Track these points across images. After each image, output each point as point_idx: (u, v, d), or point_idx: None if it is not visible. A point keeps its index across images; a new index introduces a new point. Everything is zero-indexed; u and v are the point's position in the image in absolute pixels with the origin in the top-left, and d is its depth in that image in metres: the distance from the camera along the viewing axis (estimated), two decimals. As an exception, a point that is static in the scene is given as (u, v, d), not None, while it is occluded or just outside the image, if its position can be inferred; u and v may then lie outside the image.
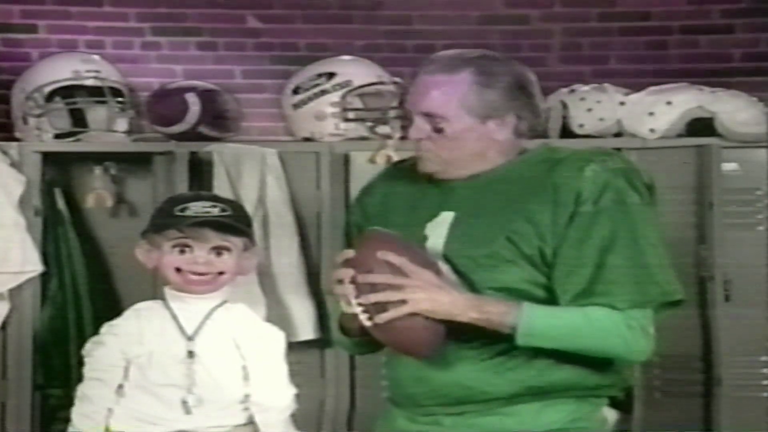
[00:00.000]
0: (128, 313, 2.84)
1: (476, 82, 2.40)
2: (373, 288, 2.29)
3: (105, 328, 2.84)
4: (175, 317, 2.77)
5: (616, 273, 2.32)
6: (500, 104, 2.41)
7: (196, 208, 2.74)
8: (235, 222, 2.76)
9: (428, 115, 2.41)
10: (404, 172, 2.58)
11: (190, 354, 2.73)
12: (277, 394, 2.80)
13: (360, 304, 2.30)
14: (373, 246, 2.33)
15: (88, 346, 2.83)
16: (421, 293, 2.28)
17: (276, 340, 2.85)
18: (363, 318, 2.31)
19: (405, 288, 2.28)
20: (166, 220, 2.76)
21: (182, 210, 2.74)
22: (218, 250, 2.76)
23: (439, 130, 2.41)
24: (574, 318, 2.32)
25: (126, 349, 2.76)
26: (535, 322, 2.30)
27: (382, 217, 2.51)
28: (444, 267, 2.36)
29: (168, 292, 2.80)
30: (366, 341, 2.44)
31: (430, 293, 2.29)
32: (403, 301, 2.28)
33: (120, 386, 2.75)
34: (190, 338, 2.75)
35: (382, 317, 2.28)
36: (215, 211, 2.74)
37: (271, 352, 2.82)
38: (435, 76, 2.41)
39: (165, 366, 2.73)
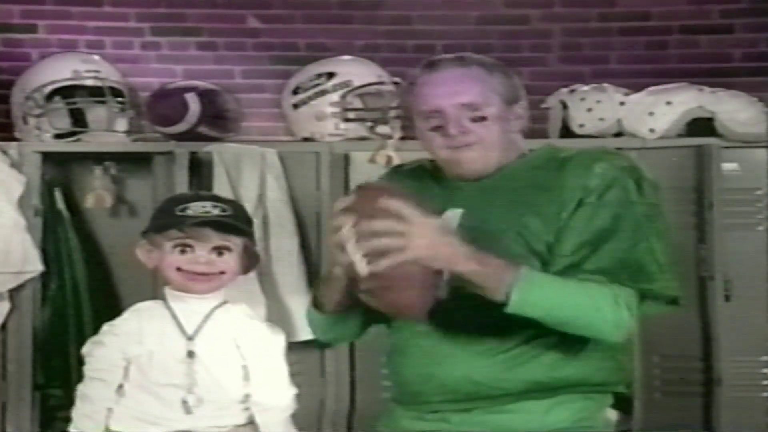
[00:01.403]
0: (128, 313, 2.84)
1: (489, 72, 2.44)
2: (375, 235, 2.22)
3: (105, 327, 2.84)
4: (175, 317, 2.77)
5: (608, 260, 2.32)
6: (515, 88, 2.47)
7: (197, 208, 2.74)
8: (235, 222, 2.76)
9: (467, 106, 2.41)
10: (406, 174, 2.59)
11: (191, 354, 2.73)
12: (277, 394, 2.81)
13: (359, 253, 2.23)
14: (373, 195, 2.28)
15: (88, 346, 2.83)
16: (422, 240, 2.21)
17: (276, 340, 2.85)
18: (361, 266, 2.22)
19: (406, 234, 2.20)
20: (167, 220, 2.76)
21: (183, 210, 2.74)
22: (219, 250, 2.76)
23: (480, 119, 2.41)
24: (571, 287, 2.29)
25: (126, 348, 2.76)
26: (533, 290, 2.25)
27: None
28: (450, 216, 2.33)
29: (168, 292, 2.80)
30: (340, 317, 2.42)
31: (431, 240, 2.22)
32: (404, 248, 2.21)
33: (120, 386, 2.76)
34: (190, 338, 2.75)
35: (381, 263, 2.20)
36: (216, 212, 2.74)
37: (271, 352, 2.82)
38: (454, 70, 2.43)
39: (165, 366, 2.73)
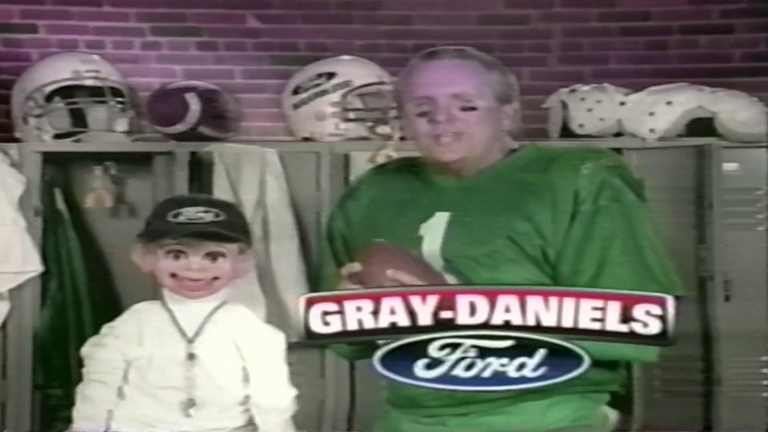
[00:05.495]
0: (127, 315, 2.83)
1: (486, 68, 2.44)
2: None
3: (105, 329, 2.83)
4: (174, 319, 2.75)
5: (617, 270, 2.31)
6: (510, 89, 2.46)
7: (190, 213, 2.71)
8: (228, 229, 2.73)
9: (458, 96, 2.40)
10: (390, 174, 2.57)
11: (191, 356, 2.72)
12: (277, 396, 2.79)
13: None
14: (382, 262, 2.28)
15: (88, 348, 2.81)
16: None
17: (276, 341, 2.84)
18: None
19: None
20: (159, 226, 2.74)
21: (175, 216, 2.72)
22: (213, 256, 2.74)
23: (470, 109, 2.40)
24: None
25: (126, 351, 2.74)
26: None
27: (369, 220, 2.49)
28: (451, 280, 2.33)
29: (167, 293, 2.79)
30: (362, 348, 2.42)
31: None
32: None
33: (119, 388, 2.75)
34: (190, 341, 2.74)
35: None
36: (209, 217, 2.71)
37: (271, 353, 2.81)
38: (452, 60, 2.43)
39: (165, 368, 2.71)
